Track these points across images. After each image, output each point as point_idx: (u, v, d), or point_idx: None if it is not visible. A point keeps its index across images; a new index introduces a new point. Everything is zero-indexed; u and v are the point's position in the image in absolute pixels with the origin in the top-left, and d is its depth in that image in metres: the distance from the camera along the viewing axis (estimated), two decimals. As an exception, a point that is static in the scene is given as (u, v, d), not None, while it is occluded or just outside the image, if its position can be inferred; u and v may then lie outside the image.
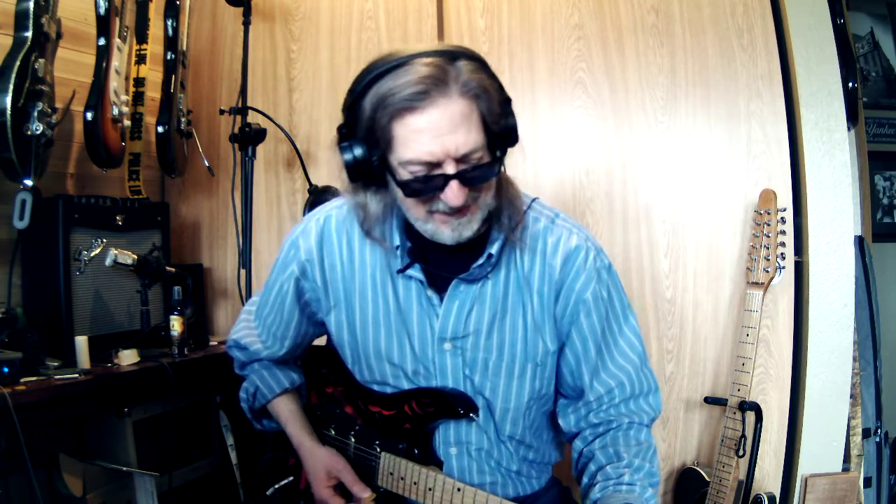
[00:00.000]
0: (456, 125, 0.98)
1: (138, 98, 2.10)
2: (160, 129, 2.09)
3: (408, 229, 1.16)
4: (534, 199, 1.23)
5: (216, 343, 2.20)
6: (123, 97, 1.96)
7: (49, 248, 1.81)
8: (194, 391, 2.06)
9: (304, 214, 2.10)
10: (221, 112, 2.08)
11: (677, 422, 1.99)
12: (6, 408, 1.43)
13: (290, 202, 2.31)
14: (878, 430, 2.17)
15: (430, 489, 1.14)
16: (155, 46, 2.15)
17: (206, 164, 2.21)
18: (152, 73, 2.15)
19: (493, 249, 1.13)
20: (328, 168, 2.26)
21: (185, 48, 2.18)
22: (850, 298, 1.86)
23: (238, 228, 2.05)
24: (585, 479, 1.18)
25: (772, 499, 1.80)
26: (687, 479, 1.92)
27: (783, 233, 1.82)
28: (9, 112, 1.59)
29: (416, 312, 1.19)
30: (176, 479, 1.96)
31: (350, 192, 1.14)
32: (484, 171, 1.02)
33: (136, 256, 1.86)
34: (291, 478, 1.35)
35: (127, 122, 1.99)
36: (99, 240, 1.87)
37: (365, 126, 1.02)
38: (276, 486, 1.35)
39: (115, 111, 1.91)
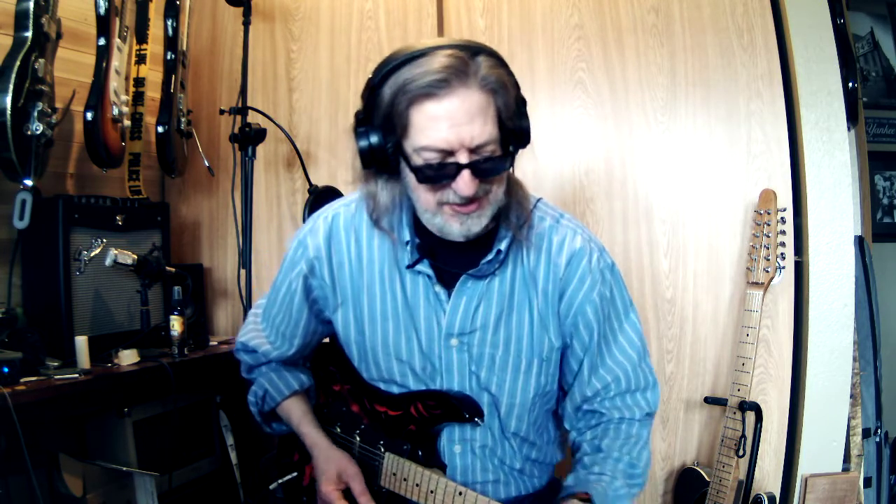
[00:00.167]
0: (472, 116, 1.00)
1: (138, 98, 2.10)
2: (160, 129, 2.09)
3: (417, 226, 1.18)
4: (539, 199, 1.25)
5: (216, 343, 2.20)
6: (123, 97, 1.96)
7: (49, 248, 1.81)
8: (194, 391, 2.06)
9: (304, 214, 2.10)
10: (221, 112, 2.08)
11: (677, 422, 1.99)
12: (6, 408, 1.43)
13: (290, 202, 2.31)
14: (878, 430, 2.17)
15: (431, 492, 1.15)
16: (155, 46, 2.15)
17: (206, 164, 2.21)
18: (152, 73, 2.15)
19: (503, 246, 1.15)
20: (328, 168, 2.26)
21: (185, 48, 2.18)
22: (850, 298, 1.87)
23: (238, 228, 2.05)
24: (573, 462, 1.23)
25: (772, 499, 1.80)
26: (687, 479, 1.92)
27: (783, 233, 1.82)
28: (9, 112, 1.59)
29: (424, 308, 1.20)
30: (176, 479, 1.96)
31: (362, 180, 1.15)
32: (496, 164, 1.04)
33: (136, 256, 1.86)
34: (295, 473, 1.35)
35: (127, 122, 1.99)
36: (99, 240, 1.87)
37: (383, 112, 1.03)
38: (280, 482, 1.35)
39: (115, 111, 1.91)
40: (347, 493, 1.21)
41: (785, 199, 1.88)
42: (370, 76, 1.06)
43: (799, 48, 1.88)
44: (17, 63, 1.61)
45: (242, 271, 2.02)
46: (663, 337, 1.99)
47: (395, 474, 1.20)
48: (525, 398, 1.22)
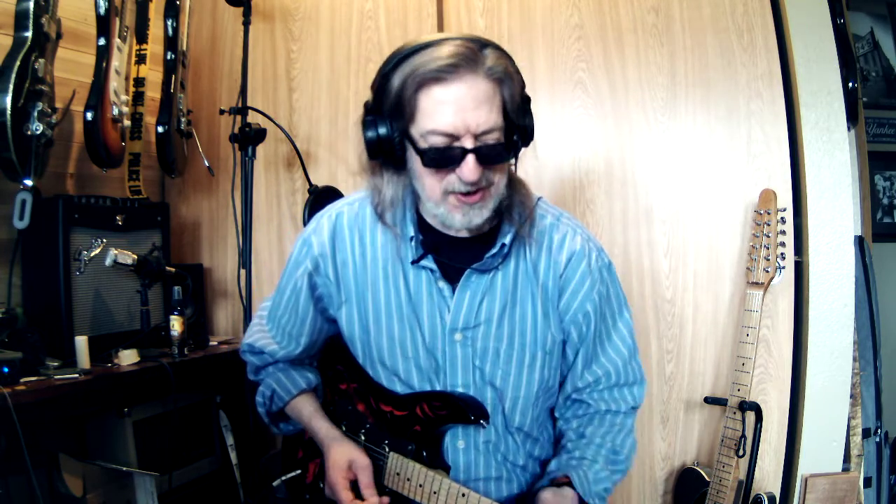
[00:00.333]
0: (479, 103, 1.03)
1: (138, 98, 2.10)
2: (160, 129, 2.09)
3: (420, 223, 1.20)
4: (539, 198, 1.26)
5: (216, 343, 2.20)
6: (123, 97, 1.96)
7: (49, 248, 1.81)
8: (194, 391, 2.06)
9: (304, 214, 2.10)
10: (221, 112, 2.08)
11: (677, 422, 1.99)
12: (6, 408, 1.43)
13: (290, 202, 2.31)
14: (878, 430, 2.17)
15: (434, 492, 1.15)
16: (155, 46, 2.15)
17: (206, 164, 2.21)
18: (152, 73, 2.15)
19: (506, 240, 1.17)
20: (328, 168, 2.26)
21: (185, 48, 2.18)
22: (850, 298, 1.87)
23: (238, 228, 2.05)
24: (558, 450, 1.27)
25: (772, 499, 1.80)
26: (687, 479, 1.92)
27: (783, 233, 1.82)
28: (9, 112, 1.59)
29: (427, 304, 1.21)
30: (176, 479, 1.96)
31: (368, 173, 1.18)
32: (499, 151, 1.07)
33: (136, 256, 1.86)
34: (299, 471, 1.35)
35: (127, 122, 1.99)
36: (99, 240, 1.87)
37: (392, 98, 1.06)
38: (283, 478, 1.35)
39: (115, 111, 1.91)
40: (355, 484, 1.21)
41: (785, 199, 1.88)
42: (382, 65, 1.08)
43: (799, 48, 1.88)
44: (17, 63, 1.61)
45: (242, 271, 2.02)
46: (663, 337, 1.99)
47: (398, 474, 1.20)
48: (529, 392, 1.23)
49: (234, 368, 1.50)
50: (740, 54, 1.93)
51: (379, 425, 1.26)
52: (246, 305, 2.00)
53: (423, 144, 1.06)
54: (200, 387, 2.07)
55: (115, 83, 1.91)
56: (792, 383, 1.89)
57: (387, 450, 1.23)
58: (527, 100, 1.13)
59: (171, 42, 2.12)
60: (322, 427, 1.27)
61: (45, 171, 1.76)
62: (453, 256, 1.19)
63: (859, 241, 2.11)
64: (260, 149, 2.06)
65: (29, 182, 1.66)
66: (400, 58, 1.05)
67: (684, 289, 1.98)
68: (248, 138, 2.01)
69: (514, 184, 1.19)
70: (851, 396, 1.89)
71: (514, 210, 1.18)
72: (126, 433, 1.86)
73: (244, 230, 2.00)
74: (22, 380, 1.56)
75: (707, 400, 1.93)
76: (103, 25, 1.87)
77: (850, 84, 1.99)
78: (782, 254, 1.82)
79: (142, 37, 2.10)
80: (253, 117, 2.07)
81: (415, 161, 1.09)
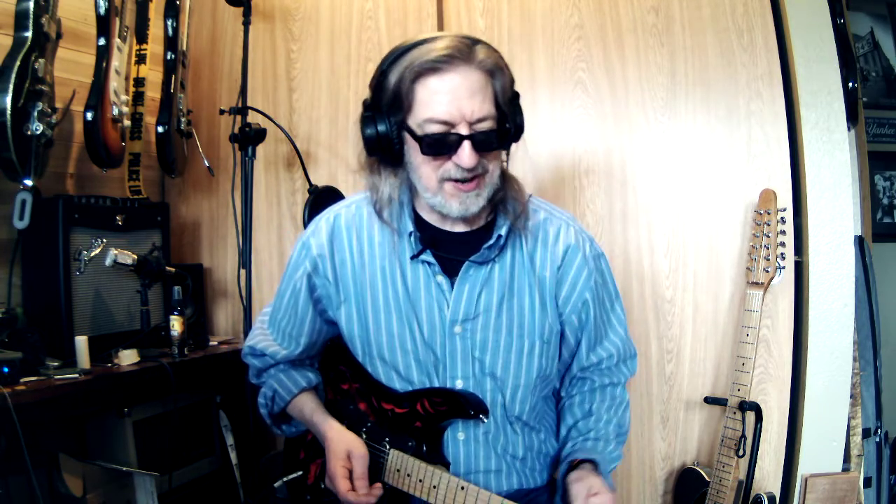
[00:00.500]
0: (473, 92, 1.09)
1: (138, 98, 2.10)
2: (160, 129, 2.10)
3: (418, 221, 1.25)
4: (530, 195, 1.31)
5: (216, 343, 2.20)
6: (123, 97, 1.96)
7: (49, 248, 1.81)
8: (194, 391, 2.06)
9: (304, 214, 2.10)
10: (221, 112, 2.08)
11: (677, 422, 1.99)
12: (6, 408, 1.43)
13: (290, 202, 2.31)
14: (878, 430, 2.17)
15: (434, 487, 1.16)
16: (155, 46, 2.15)
17: (206, 164, 2.21)
18: (152, 73, 2.15)
19: (502, 231, 1.22)
20: (328, 168, 2.26)
21: (185, 48, 2.18)
22: (850, 298, 1.87)
23: (238, 228, 2.05)
24: (562, 432, 1.33)
25: (772, 499, 1.80)
26: (687, 479, 1.93)
27: (783, 233, 1.82)
28: (9, 112, 1.59)
29: (425, 299, 1.23)
30: (176, 479, 1.96)
31: (366, 171, 1.23)
32: (493, 139, 1.12)
33: (136, 256, 1.86)
34: (300, 472, 1.36)
35: (127, 122, 1.99)
36: (99, 240, 1.87)
37: (390, 92, 1.12)
38: (284, 479, 1.36)
39: (115, 111, 1.91)
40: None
41: (785, 199, 1.88)
42: (379, 63, 1.14)
43: (799, 48, 1.88)
44: (17, 63, 1.61)
45: (242, 271, 2.01)
46: (663, 337, 1.99)
47: (398, 470, 1.21)
48: (529, 380, 1.26)
49: (234, 368, 1.50)
50: (740, 54, 1.93)
51: (380, 423, 1.27)
52: (246, 305, 2.00)
53: (420, 133, 1.11)
54: (200, 387, 2.07)
55: (115, 83, 1.91)
56: (792, 383, 1.89)
57: (387, 447, 1.23)
58: (516, 95, 1.18)
59: (171, 42, 2.12)
60: (322, 421, 1.28)
61: (45, 171, 1.76)
62: (451, 251, 1.23)
63: (859, 241, 2.11)
64: (260, 149, 2.06)
65: (29, 182, 1.66)
66: (397, 55, 1.11)
67: (684, 289, 1.98)
68: (248, 138, 2.01)
69: (507, 179, 1.24)
70: (851, 396, 1.89)
71: (507, 203, 1.23)
72: (126, 433, 1.86)
73: (244, 230, 2.00)
74: (22, 380, 1.56)
75: (707, 400, 1.93)
76: (103, 25, 1.87)
77: (850, 84, 1.99)
78: (782, 254, 1.82)
79: (142, 37, 2.10)
80: (253, 117, 2.07)
81: (412, 153, 1.15)
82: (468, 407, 1.19)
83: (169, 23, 2.11)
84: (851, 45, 2.10)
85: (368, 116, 1.14)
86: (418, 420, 1.23)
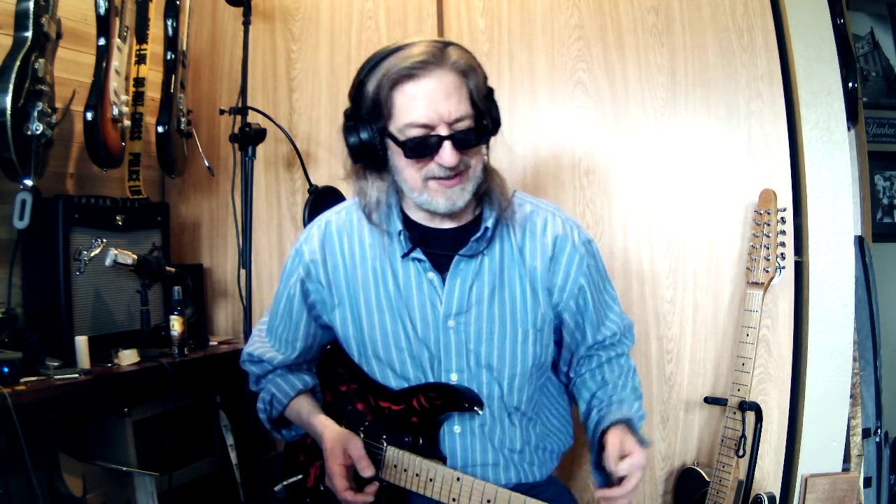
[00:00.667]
0: (449, 93, 1.13)
1: (138, 98, 2.10)
2: (160, 129, 2.09)
3: (406, 221, 1.27)
4: (515, 191, 1.34)
5: (216, 343, 2.20)
6: (123, 97, 1.96)
7: (49, 248, 1.81)
8: (194, 391, 2.06)
9: (304, 214, 2.10)
10: (221, 112, 2.08)
11: (677, 422, 1.99)
12: (6, 408, 1.43)
13: (290, 202, 2.31)
14: (878, 430, 2.17)
15: (431, 480, 1.18)
16: (155, 46, 2.15)
17: (206, 164, 2.21)
18: (152, 73, 2.15)
19: (489, 223, 1.25)
20: (328, 168, 2.26)
21: (185, 48, 2.18)
22: (850, 298, 1.86)
23: (238, 228, 2.05)
24: (583, 407, 1.35)
25: (772, 499, 1.80)
26: (687, 479, 1.92)
27: (783, 233, 1.82)
28: (9, 112, 1.59)
29: (417, 296, 1.26)
30: (176, 479, 1.96)
31: (353, 177, 1.27)
32: (473, 136, 1.16)
33: (136, 256, 1.86)
34: (300, 476, 1.37)
35: (127, 122, 1.99)
36: (99, 240, 1.87)
37: (369, 101, 1.16)
38: (284, 483, 1.37)
39: (115, 111, 1.91)
40: (356, 476, 1.23)
41: (785, 199, 1.88)
42: (356, 74, 1.19)
43: (799, 48, 1.88)
44: (17, 63, 1.61)
45: (242, 271, 2.02)
46: (663, 337, 1.99)
47: (395, 466, 1.22)
48: (525, 368, 1.27)
49: (234, 368, 1.51)
50: (740, 54, 1.93)
51: (377, 422, 1.28)
52: (246, 305, 2.00)
53: (402, 138, 1.15)
54: (200, 387, 2.07)
55: (115, 83, 1.91)
56: (792, 383, 1.89)
57: (384, 444, 1.25)
58: (490, 91, 1.21)
59: (171, 42, 2.12)
60: (318, 421, 1.30)
61: (45, 171, 1.76)
62: (440, 247, 1.26)
63: (859, 241, 2.11)
64: (260, 149, 2.06)
65: (29, 182, 1.66)
66: (372, 64, 1.15)
67: (684, 289, 1.98)
68: (248, 138, 2.00)
69: (489, 172, 1.27)
70: (851, 396, 1.89)
71: (492, 196, 1.26)
72: (126, 433, 1.86)
73: (244, 230, 2.00)
74: (22, 380, 1.56)
75: (707, 400, 1.93)
76: (103, 25, 1.87)
77: (850, 84, 1.99)
78: (782, 254, 1.82)
79: (142, 37, 2.10)
80: (253, 117, 2.07)
81: (396, 157, 1.18)
82: (463, 400, 1.21)
83: (169, 23, 2.11)
84: (851, 45, 2.10)
85: (351, 126, 1.18)
86: (414, 416, 1.24)
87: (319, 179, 2.18)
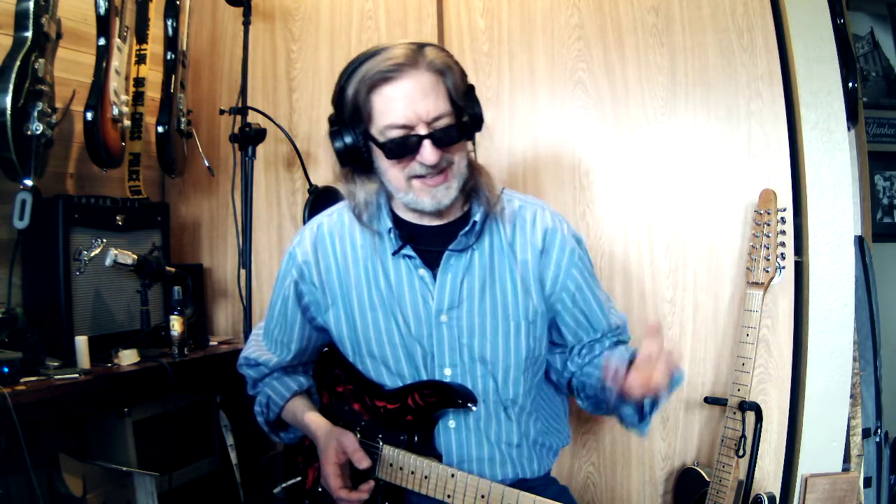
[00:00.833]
0: (426, 93, 1.14)
1: (138, 98, 2.10)
2: (160, 129, 2.09)
3: (396, 219, 1.30)
4: (503, 188, 1.35)
5: (216, 343, 2.20)
6: (123, 97, 1.96)
7: (49, 248, 1.81)
8: (194, 391, 2.06)
9: (304, 214, 2.10)
10: (221, 112, 2.08)
11: (677, 422, 1.99)
12: (6, 408, 1.43)
13: (290, 202, 2.31)
14: (878, 430, 2.17)
15: (426, 477, 1.19)
16: (155, 46, 2.15)
17: (206, 164, 2.21)
18: (152, 73, 2.15)
19: (477, 217, 1.26)
20: (328, 168, 2.24)
21: (185, 48, 2.18)
22: (850, 298, 1.86)
23: (238, 228, 2.05)
24: (597, 374, 1.26)
25: (772, 499, 1.80)
26: (687, 479, 1.93)
27: (783, 233, 1.82)
28: (9, 112, 1.59)
29: (409, 293, 1.27)
30: (176, 479, 1.96)
31: (342, 180, 1.30)
32: (452, 134, 1.17)
33: (136, 256, 1.86)
34: (299, 478, 1.37)
35: (127, 122, 1.99)
36: (99, 240, 1.87)
37: (349, 106, 1.18)
38: (284, 485, 1.39)
39: (115, 111, 1.91)
40: (355, 474, 1.24)
41: (785, 199, 1.88)
42: (337, 80, 1.20)
43: (799, 48, 1.88)
44: (17, 63, 1.61)
45: (242, 271, 2.02)
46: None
47: (391, 465, 1.23)
48: (518, 360, 1.28)
49: (234, 369, 1.51)
50: (740, 54, 1.93)
51: (374, 421, 1.29)
52: (246, 305, 2.00)
53: (382, 140, 1.17)
54: (200, 387, 2.07)
55: (115, 83, 1.91)
56: (792, 383, 1.89)
57: (380, 443, 1.26)
58: (471, 88, 1.22)
59: (171, 42, 2.12)
60: (311, 421, 1.31)
61: (45, 171, 1.76)
62: (430, 244, 1.28)
63: (859, 241, 2.11)
64: (260, 149, 2.06)
65: (29, 182, 1.66)
66: (351, 70, 1.17)
67: (684, 289, 1.98)
68: (248, 138, 2.00)
69: (477, 169, 1.29)
70: (851, 396, 1.89)
71: (480, 191, 1.28)
72: (126, 433, 1.86)
73: (244, 230, 2.00)
74: (22, 380, 1.56)
75: (707, 400, 1.93)
76: (103, 25, 1.87)
77: (850, 84, 1.99)
78: (782, 254, 1.82)
79: (142, 37, 2.10)
80: (253, 117, 2.07)
81: (379, 158, 1.20)
82: (457, 397, 1.22)
83: (169, 23, 2.11)
84: (851, 45, 2.10)
85: (335, 130, 1.21)
86: (409, 414, 1.25)
87: (319, 179, 2.18)
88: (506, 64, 2.10)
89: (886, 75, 3.12)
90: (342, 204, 1.36)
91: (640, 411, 1.18)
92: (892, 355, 2.54)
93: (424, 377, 1.27)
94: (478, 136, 1.25)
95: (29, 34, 1.65)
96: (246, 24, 2.09)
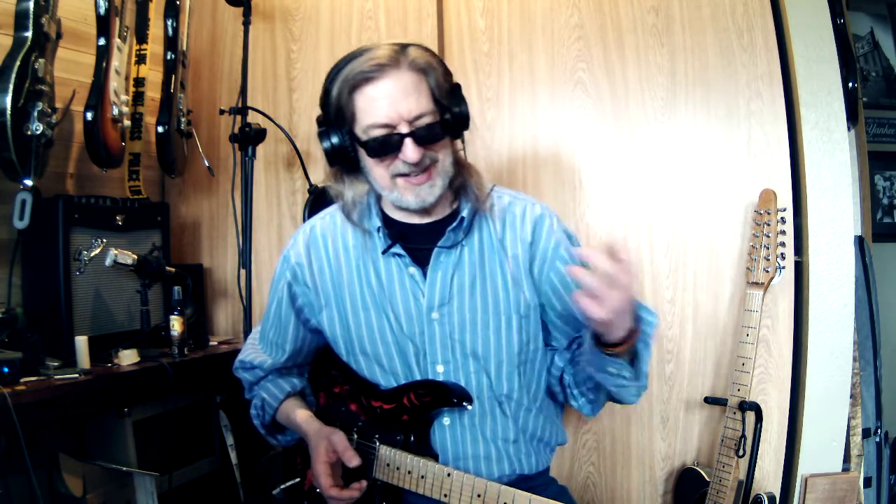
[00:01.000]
0: (407, 93, 1.16)
1: (138, 98, 2.10)
2: (160, 129, 2.09)
3: (386, 218, 1.31)
4: (494, 185, 1.36)
5: (216, 343, 2.20)
6: (123, 97, 1.96)
7: (49, 248, 1.81)
8: (194, 391, 2.06)
9: (304, 214, 2.11)
10: (221, 112, 2.08)
11: (677, 422, 1.99)
12: (6, 408, 1.43)
13: (290, 202, 2.31)
14: (878, 430, 2.17)
15: (422, 477, 1.19)
16: (155, 46, 2.15)
17: (206, 164, 2.21)
18: (152, 73, 2.15)
19: (465, 214, 1.27)
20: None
21: (185, 48, 2.18)
22: (850, 298, 1.86)
23: (238, 228, 2.05)
24: (574, 374, 1.30)
25: (772, 499, 1.80)
26: (687, 479, 1.92)
27: (783, 233, 1.82)
28: (9, 112, 1.59)
29: (400, 291, 1.28)
30: (176, 479, 1.96)
31: (332, 180, 1.32)
32: (434, 132, 1.18)
33: (136, 256, 1.86)
34: (298, 479, 1.38)
35: (127, 122, 1.99)
36: (99, 240, 1.87)
37: (334, 107, 1.20)
38: (283, 486, 1.39)
39: (115, 111, 1.91)
40: (347, 474, 1.24)
41: (785, 199, 1.88)
42: (324, 81, 1.22)
43: (799, 48, 1.88)
44: (17, 63, 1.61)
45: (242, 271, 2.01)
46: (663, 337, 1.99)
47: (388, 465, 1.24)
48: (511, 354, 1.28)
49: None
50: (740, 54, 1.93)
51: (370, 422, 1.30)
52: (246, 305, 2.00)
53: (365, 139, 1.19)
54: (200, 387, 2.07)
55: (115, 83, 1.91)
56: (792, 383, 1.89)
57: (377, 443, 1.26)
58: (456, 87, 1.23)
59: (171, 42, 2.12)
60: (302, 421, 1.32)
61: (45, 171, 1.76)
62: (420, 242, 1.29)
63: (859, 241, 2.11)
64: (260, 149, 2.06)
65: (29, 182, 1.66)
66: (335, 72, 1.19)
67: (684, 289, 1.98)
68: (248, 138, 2.00)
69: (466, 167, 1.30)
70: (851, 396, 1.89)
71: (468, 189, 1.29)
72: (126, 433, 1.86)
73: (244, 230, 2.00)
74: (22, 380, 1.56)
75: (707, 400, 1.93)
76: (103, 25, 1.87)
77: (850, 84, 1.99)
78: (782, 254, 1.82)
79: (142, 37, 2.10)
80: (253, 117, 2.07)
81: (364, 157, 1.22)
82: (452, 395, 1.23)
83: (169, 23, 2.11)
84: (851, 45, 2.10)
85: (322, 131, 1.23)
86: (405, 413, 1.26)
87: (319, 179, 2.17)
88: (506, 64, 2.10)
89: (886, 75, 3.12)
90: (335, 206, 1.37)
91: (631, 363, 1.13)
92: (892, 355, 2.54)
93: (417, 375, 1.28)
94: (469, 135, 1.26)
95: (29, 34, 1.65)
96: (246, 24, 2.09)
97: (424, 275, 1.28)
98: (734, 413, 1.80)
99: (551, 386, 1.38)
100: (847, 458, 1.94)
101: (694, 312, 1.97)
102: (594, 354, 1.13)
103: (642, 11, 2.00)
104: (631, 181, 2.01)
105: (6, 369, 1.53)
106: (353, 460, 1.21)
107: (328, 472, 1.22)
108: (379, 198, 1.32)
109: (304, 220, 2.08)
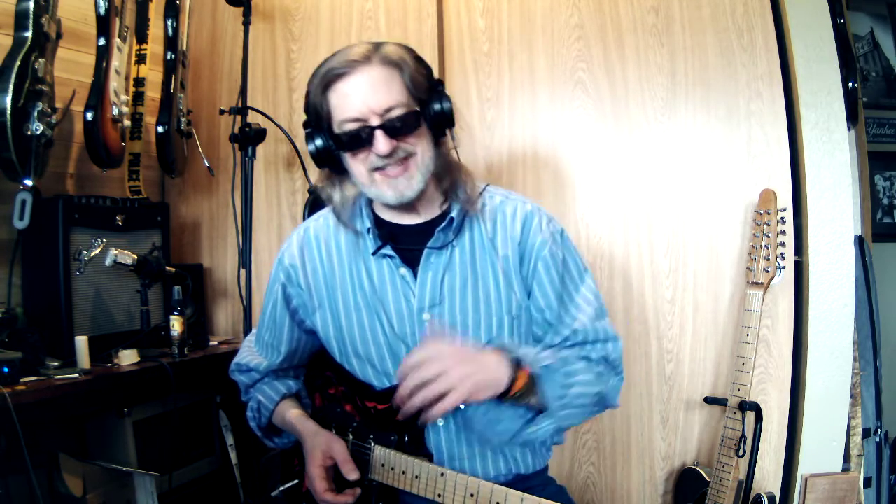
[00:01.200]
0: (377, 87, 1.16)
1: (138, 98, 2.10)
2: (160, 129, 2.09)
3: (377, 220, 1.31)
4: (486, 185, 1.36)
5: (216, 343, 2.20)
6: (123, 97, 1.96)
7: (49, 248, 1.81)
8: (194, 391, 2.06)
9: (304, 214, 2.11)
10: (221, 112, 2.08)
11: (677, 422, 1.99)
12: (6, 408, 1.43)
13: (290, 202, 2.31)
14: (878, 430, 2.17)
15: (416, 477, 1.19)
16: (155, 46, 2.15)
17: (206, 164, 2.21)
18: (152, 73, 2.15)
19: (454, 214, 1.27)
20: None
21: (185, 48, 2.18)
22: (850, 298, 1.86)
23: (238, 228, 2.05)
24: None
25: (772, 499, 1.80)
26: (687, 479, 1.93)
27: (783, 233, 1.82)
28: (9, 112, 1.59)
29: (391, 292, 1.28)
30: (176, 479, 1.96)
31: (321, 182, 1.33)
32: (406, 123, 1.18)
33: (136, 256, 1.86)
34: (296, 481, 1.38)
35: (127, 122, 1.99)
36: (99, 240, 1.87)
37: (313, 107, 1.22)
38: (281, 488, 1.38)
39: (115, 111, 1.91)
40: (338, 476, 1.24)
41: (785, 199, 1.88)
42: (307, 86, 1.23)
43: (799, 48, 1.88)
44: (17, 63, 1.61)
45: (242, 271, 2.02)
46: (663, 337, 1.99)
47: (383, 465, 1.23)
48: None
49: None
50: (740, 54, 1.93)
51: (365, 422, 1.30)
52: (246, 305, 2.00)
53: (339, 133, 1.19)
54: (200, 387, 2.07)
55: (115, 83, 1.91)
56: (792, 383, 1.89)
57: (372, 444, 1.26)
58: (437, 83, 1.23)
59: (171, 42, 2.12)
60: (298, 424, 1.32)
61: (45, 171, 1.76)
62: (410, 243, 1.28)
63: (859, 241, 2.12)
64: (260, 149, 2.06)
65: (29, 182, 1.66)
66: (314, 74, 1.21)
67: (684, 289, 1.98)
68: (248, 138, 2.01)
69: (457, 167, 1.30)
70: (851, 396, 1.89)
71: (458, 188, 1.28)
72: (126, 433, 1.86)
73: (244, 230, 2.00)
74: (22, 380, 1.56)
75: (707, 400, 1.93)
76: (103, 25, 1.87)
77: (850, 84, 1.99)
78: (782, 254, 1.82)
79: (142, 37, 2.10)
80: (253, 117, 2.07)
81: (344, 154, 1.22)
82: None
83: (169, 23, 2.11)
84: (851, 45, 2.10)
85: (308, 134, 1.23)
86: (400, 414, 1.24)
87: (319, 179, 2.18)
88: (506, 64, 2.10)
89: (886, 75, 3.12)
90: (328, 209, 1.37)
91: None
92: (892, 355, 2.54)
93: None
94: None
95: (29, 34, 1.65)
96: (246, 24, 2.09)
97: (415, 276, 1.27)
98: (734, 413, 1.80)
99: None
100: (847, 458, 1.94)
101: (694, 312, 1.97)
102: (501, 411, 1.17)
103: (642, 11, 2.00)
104: (631, 181, 2.01)
105: (6, 369, 1.53)
106: (352, 474, 1.20)
107: (323, 475, 1.22)
108: (370, 198, 1.31)
109: (303, 220, 2.08)
